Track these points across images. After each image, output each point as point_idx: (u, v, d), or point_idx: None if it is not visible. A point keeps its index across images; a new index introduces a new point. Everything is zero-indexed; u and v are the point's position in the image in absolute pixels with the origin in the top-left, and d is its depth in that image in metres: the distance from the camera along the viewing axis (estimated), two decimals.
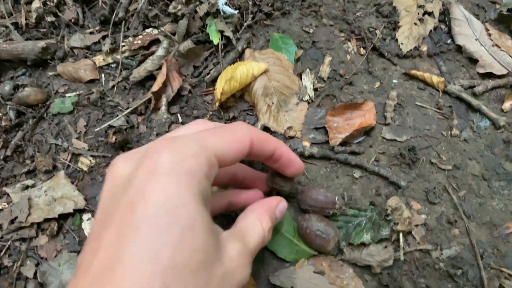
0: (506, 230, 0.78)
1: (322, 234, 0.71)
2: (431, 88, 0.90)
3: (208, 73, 0.91)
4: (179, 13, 0.92)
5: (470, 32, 0.93)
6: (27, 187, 0.80)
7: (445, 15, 0.98)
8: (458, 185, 0.81)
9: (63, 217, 0.79)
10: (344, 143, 0.84)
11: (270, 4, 0.97)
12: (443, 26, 0.97)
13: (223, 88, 0.82)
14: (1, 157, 0.83)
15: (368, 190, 0.81)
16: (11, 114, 0.87)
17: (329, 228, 0.72)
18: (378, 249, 0.74)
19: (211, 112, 0.88)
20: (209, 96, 0.90)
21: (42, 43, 0.91)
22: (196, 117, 0.88)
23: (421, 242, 0.77)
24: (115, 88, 0.91)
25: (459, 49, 0.93)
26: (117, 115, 0.87)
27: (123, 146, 0.85)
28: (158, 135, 0.84)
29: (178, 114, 0.88)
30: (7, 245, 0.76)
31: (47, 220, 0.77)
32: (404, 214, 0.76)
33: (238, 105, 0.89)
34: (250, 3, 0.96)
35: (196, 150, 0.41)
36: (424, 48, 0.94)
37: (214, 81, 0.90)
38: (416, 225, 0.78)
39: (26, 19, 0.95)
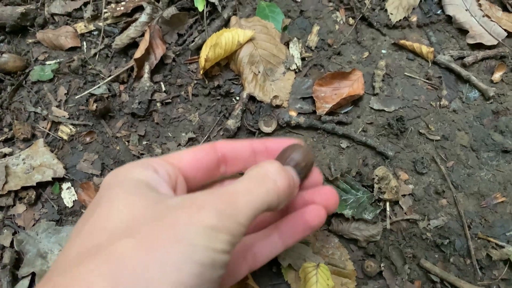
0: (494, 200, 0.77)
1: None
2: (420, 59, 0.89)
3: (192, 41, 0.89)
4: None
5: (460, 2, 0.91)
6: (4, 155, 0.77)
7: None
8: (447, 156, 0.80)
9: (41, 185, 0.76)
10: (331, 113, 0.82)
11: None
12: None
13: (208, 54, 0.79)
14: None
15: (355, 160, 0.80)
16: None
17: None
18: (367, 224, 0.73)
19: (195, 81, 0.86)
20: (194, 65, 0.87)
21: (21, 9, 0.87)
22: (180, 86, 0.85)
23: (408, 212, 0.76)
24: (97, 56, 0.88)
25: (449, 19, 0.91)
26: (99, 83, 0.85)
27: (104, 114, 0.82)
28: (140, 103, 0.81)
29: (162, 83, 0.86)
30: None
31: (25, 188, 0.74)
32: (391, 183, 0.74)
33: (223, 74, 0.87)
34: None
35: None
36: (413, 19, 0.92)
37: (198, 49, 0.87)
38: (403, 195, 0.77)
39: None
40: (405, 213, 0.76)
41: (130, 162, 0.41)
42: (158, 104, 0.84)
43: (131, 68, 0.86)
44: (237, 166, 0.50)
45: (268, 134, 0.81)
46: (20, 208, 0.74)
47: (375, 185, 0.74)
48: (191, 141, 0.81)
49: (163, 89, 0.85)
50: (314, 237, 0.73)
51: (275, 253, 0.52)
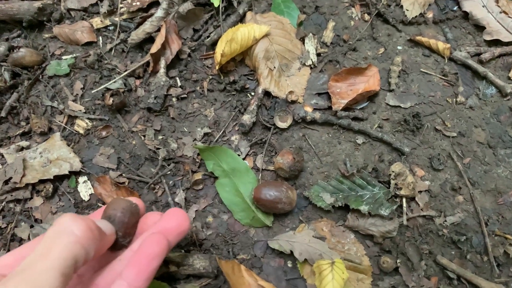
0: (511, 197, 0.76)
1: (273, 198, 0.70)
2: (436, 55, 0.88)
3: (208, 36, 0.89)
4: None
5: None
6: (22, 149, 0.78)
7: None
8: (463, 152, 0.80)
9: (58, 179, 0.77)
10: (347, 108, 0.82)
11: None
12: None
13: (223, 49, 0.79)
14: None
15: (371, 156, 0.79)
16: (6, 76, 0.84)
17: (280, 193, 0.70)
18: (383, 220, 0.72)
19: (210, 76, 0.86)
20: (209, 60, 0.88)
21: (38, 4, 0.88)
22: (195, 81, 0.86)
23: (425, 209, 0.76)
24: (113, 51, 0.88)
25: (466, 15, 0.91)
26: (115, 78, 0.85)
27: (120, 109, 0.83)
28: (156, 98, 0.81)
29: (177, 78, 0.86)
30: (1, 206, 0.74)
31: (42, 181, 0.75)
32: (408, 179, 0.74)
33: (238, 69, 0.87)
34: None
35: None
36: (429, 15, 0.92)
37: (214, 44, 0.88)
38: (420, 191, 0.77)
39: None
40: (422, 209, 0.76)
41: None
42: (174, 99, 0.84)
43: (147, 63, 0.86)
44: None
45: (283, 129, 0.81)
46: (37, 201, 0.75)
47: (392, 181, 0.74)
48: (207, 136, 0.81)
49: (179, 84, 0.85)
50: (329, 232, 0.73)
51: None
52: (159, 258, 0.46)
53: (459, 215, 0.75)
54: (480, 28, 0.90)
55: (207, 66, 0.87)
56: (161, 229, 0.51)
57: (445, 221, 0.75)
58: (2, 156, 0.78)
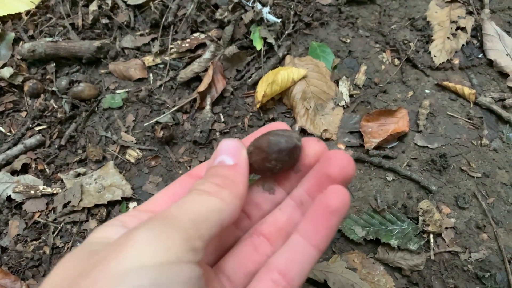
0: None
1: None
2: (462, 99, 0.94)
3: (249, 77, 0.97)
4: (225, 20, 0.98)
5: (501, 47, 0.97)
6: (79, 175, 0.86)
7: (477, 30, 1.02)
8: (487, 192, 0.85)
9: (111, 204, 0.84)
10: (378, 147, 0.88)
11: (309, 15, 1.03)
12: (475, 41, 1.01)
13: (265, 90, 0.87)
14: (56, 146, 0.90)
15: (400, 193, 0.85)
16: (66, 107, 0.93)
17: None
18: (412, 254, 0.77)
19: (251, 113, 0.93)
20: (250, 98, 0.95)
21: (97, 43, 0.98)
22: (237, 117, 0.93)
23: (450, 244, 0.81)
24: (162, 87, 0.97)
25: (490, 63, 0.97)
26: (164, 112, 0.93)
27: (169, 141, 0.90)
28: (202, 132, 0.89)
29: (221, 114, 0.93)
30: (59, 227, 0.81)
31: (97, 206, 0.82)
32: (435, 216, 0.79)
33: (276, 107, 0.94)
34: (292, 13, 1.01)
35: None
36: (456, 61, 0.98)
37: (255, 84, 0.95)
38: (446, 228, 0.82)
39: (82, 20, 1.02)
40: (448, 245, 0.81)
41: (105, 223, 0.36)
42: (217, 133, 0.91)
43: (194, 100, 0.94)
44: None
45: None
46: (92, 223, 0.82)
47: (420, 218, 0.79)
48: None
49: (222, 119, 0.93)
50: (360, 264, 0.78)
51: (310, 262, 0.39)
52: (340, 213, 0.38)
53: (483, 252, 0.80)
54: (504, 75, 0.96)
55: (248, 104, 0.95)
56: (323, 173, 0.40)
57: (470, 257, 0.79)
58: (62, 181, 0.85)
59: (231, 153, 0.39)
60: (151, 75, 0.99)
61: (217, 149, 0.40)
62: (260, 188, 0.44)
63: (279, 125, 0.44)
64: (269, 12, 0.97)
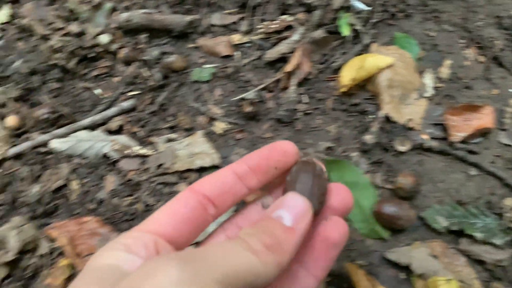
0: None
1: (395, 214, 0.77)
2: None
3: (333, 62, 0.98)
4: (313, 4, 1.00)
5: None
6: (170, 140, 0.90)
7: None
8: None
9: (201, 170, 0.87)
10: (462, 141, 0.88)
11: (395, 6, 1.04)
12: None
13: (354, 75, 0.89)
14: (148, 112, 0.94)
15: (482, 189, 0.85)
16: (158, 76, 0.97)
17: (402, 210, 0.77)
18: (496, 249, 0.78)
19: (334, 97, 0.95)
20: (332, 82, 0.97)
21: (189, 18, 1.01)
22: (320, 99, 0.95)
23: None
24: (248, 65, 1.00)
25: None
26: (249, 89, 0.96)
27: (253, 117, 0.93)
28: (287, 110, 0.91)
29: (304, 95, 0.96)
30: (152, 186, 0.85)
31: (188, 170, 0.86)
32: None
33: (359, 93, 0.96)
34: (378, 2, 1.03)
35: None
36: None
37: (338, 69, 0.97)
38: None
39: None
40: None
41: (104, 246, 0.35)
42: (300, 114, 0.94)
43: (277, 80, 0.97)
44: (227, 202, 0.42)
45: (400, 153, 0.88)
46: (182, 186, 0.86)
47: (506, 214, 0.80)
48: (329, 150, 0.90)
49: (305, 101, 0.95)
50: (442, 253, 0.80)
51: None
52: (339, 246, 0.41)
53: None
54: None
55: (331, 87, 0.97)
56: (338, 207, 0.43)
57: None
58: (153, 144, 0.90)
59: (295, 213, 0.37)
60: (237, 53, 1.02)
61: (282, 199, 0.38)
62: (259, 206, 0.44)
63: (285, 145, 0.47)
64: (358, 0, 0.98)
